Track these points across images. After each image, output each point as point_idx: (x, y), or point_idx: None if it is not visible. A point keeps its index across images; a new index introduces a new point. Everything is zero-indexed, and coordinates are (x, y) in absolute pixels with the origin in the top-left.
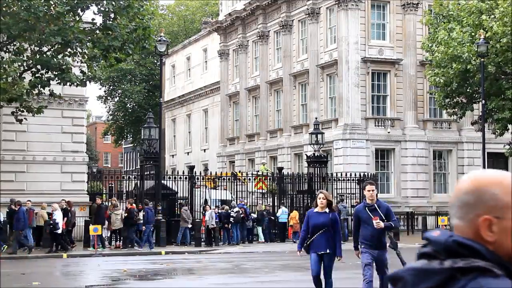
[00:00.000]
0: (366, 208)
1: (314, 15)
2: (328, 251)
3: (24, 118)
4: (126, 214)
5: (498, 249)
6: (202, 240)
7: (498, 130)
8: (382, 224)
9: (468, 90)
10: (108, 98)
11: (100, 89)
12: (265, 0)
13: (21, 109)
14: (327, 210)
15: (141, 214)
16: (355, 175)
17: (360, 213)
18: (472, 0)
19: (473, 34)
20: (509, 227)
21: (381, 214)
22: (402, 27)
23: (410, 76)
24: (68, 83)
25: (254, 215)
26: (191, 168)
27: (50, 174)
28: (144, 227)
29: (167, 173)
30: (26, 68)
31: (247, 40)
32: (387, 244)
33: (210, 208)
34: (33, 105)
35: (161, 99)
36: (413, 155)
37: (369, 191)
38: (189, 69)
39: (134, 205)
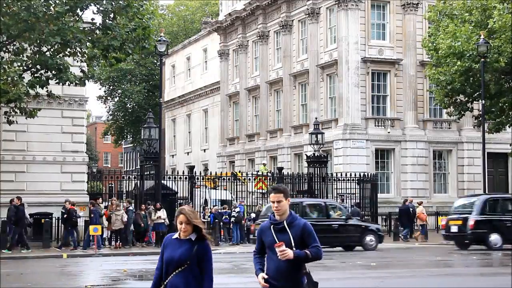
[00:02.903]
0: (272, 227)
1: (314, 15)
2: None
3: (15, 121)
4: (66, 215)
5: None
6: None
7: (493, 129)
8: (290, 254)
9: (468, 90)
10: (108, 98)
11: (100, 89)
12: (265, 0)
13: (15, 110)
14: (192, 236)
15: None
16: (355, 175)
17: (263, 233)
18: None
19: (476, 32)
20: None
21: (291, 238)
22: (402, 27)
23: (410, 76)
24: (66, 83)
25: (253, 215)
26: (191, 168)
27: (50, 174)
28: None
29: (167, 173)
30: (25, 68)
31: (247, 40)
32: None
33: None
34: (28, 107)
35: (161, 99)
36: (413, 155)
37: (273, 202)
38: (189, 69)
39: (74, 205)
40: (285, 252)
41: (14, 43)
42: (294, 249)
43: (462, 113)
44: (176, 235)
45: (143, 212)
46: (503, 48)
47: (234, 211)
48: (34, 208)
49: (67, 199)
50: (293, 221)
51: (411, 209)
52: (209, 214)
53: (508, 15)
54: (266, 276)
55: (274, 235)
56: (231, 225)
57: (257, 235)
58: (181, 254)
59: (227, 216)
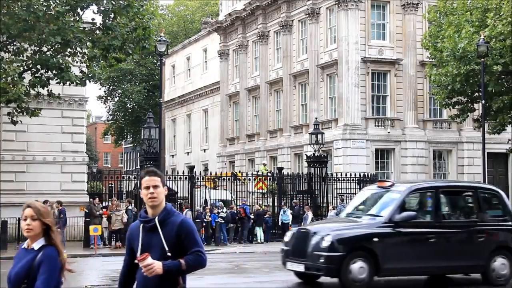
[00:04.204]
0: (142, 226)
1: (314, 15)
2: None
3: (20, 121)
4: None
5: None
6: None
7: (495, 129)
8: (158, 268)
9: (469, 91)
10: (108, 98)
11: (100, 89)
12: (265, 0)
13: (17, 110)
14: (37, 245)
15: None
16: (355, 175)
17: (132, 238)
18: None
19: (476, 32)
20: None
21: (163, 240)
22: (402, 27)
23: (410, 76)
24: (67, 82)
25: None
26: (191, 168)
27: (50, 174)
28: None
29: (167, 173)
30: (25, 68)
31: (247, 40)
32: None
33: (185, 208)
34: (29, 107)
35: (161, 99)
36: (413, 155)
37: (147, 187)
38: (189, 69)
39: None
40: (150, 266)
41: (14, 43)
42: (169, 254)
43: (465, 115)
44: (25, 244)
45: None
46: (504, 50)
47: (222, 211)
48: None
49: (36, 199)
50: (167, 217)
51: None
52: (209, 214)
53: (502, 22)
54: None
55: (141, 239)
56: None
57: (126, 241)
58: (17, 271)
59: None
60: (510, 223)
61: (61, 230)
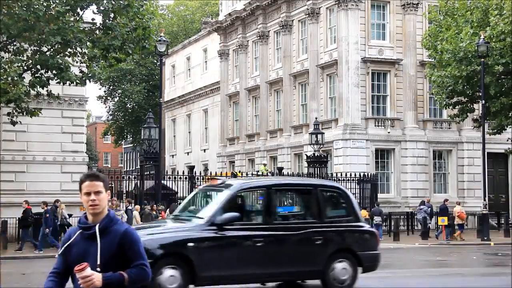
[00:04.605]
0: (80, 233)
1: (314, 15)
2: None
3: (19, 121)
4: (22, 215)
5: None
6: None
7: (494, 129)
8: (96, 281)
9: (468, 92)
10: (108, 98)
11: (100, 89)
12: (265, 0)
13: (17, 110)
14: None
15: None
16: (355, 175)
17: (68, 242)
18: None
19: (476, 32)
20: None
21: (98, 251)
22: (402, 27)
23: (410, 76)
24: (67, 82)
25: None
26: (191, 168)
27: (50, 174)
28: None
29: (167, 173)
30: (25, 68)
31: (247, 40)
32: None
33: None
34: (29, 107)
35: (161, 99)
36: (413, 155)
37: (88, 193)
38: (189, 69)
39: (30, 205)
40: (89, 278)
41: (14, 43)
42: (98, 269)
43: (465, 115)
44: None
45: (154, 213)
46: (505, 50)
47: None
48: (34, 208)
49: (26, 199)
50: (109, 225)
51: (429, 208)
52: None
53: (504, 21)
54: None
55: (75, 247)
56: None
57: (61, 245)
58: None
59: None
60: (354, 224)
61: (49, 230)
